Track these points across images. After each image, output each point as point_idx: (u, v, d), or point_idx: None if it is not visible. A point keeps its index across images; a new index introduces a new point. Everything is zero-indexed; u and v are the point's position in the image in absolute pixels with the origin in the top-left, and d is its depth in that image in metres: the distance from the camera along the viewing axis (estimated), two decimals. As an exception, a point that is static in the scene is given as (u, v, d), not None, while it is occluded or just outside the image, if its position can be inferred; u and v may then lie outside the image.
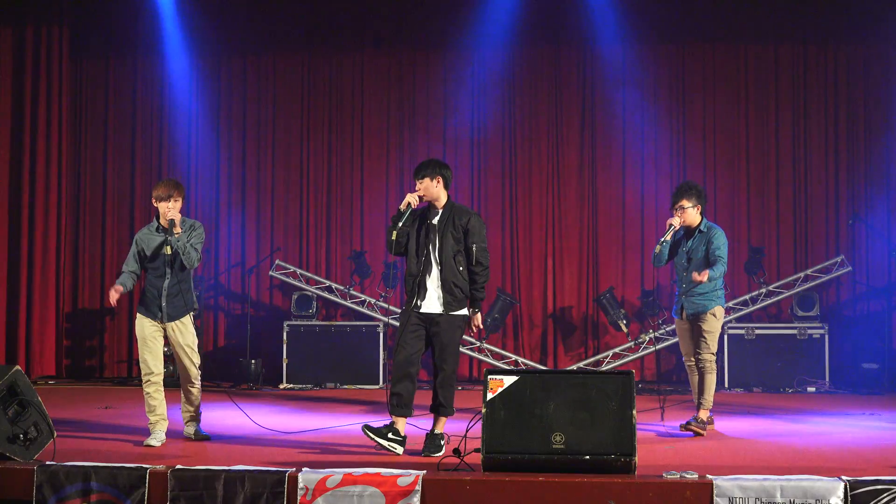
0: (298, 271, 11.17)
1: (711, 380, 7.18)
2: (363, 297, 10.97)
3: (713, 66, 11.36)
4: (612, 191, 11.41)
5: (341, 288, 11.03)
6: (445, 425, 6.40)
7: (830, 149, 11.16)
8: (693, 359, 7.31)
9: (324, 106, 11.66)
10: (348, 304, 10.98)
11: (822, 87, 11.18)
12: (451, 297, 6.28)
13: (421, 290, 6.29)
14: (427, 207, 6.43)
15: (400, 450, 6.19)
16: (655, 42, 11.34)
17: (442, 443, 6.28)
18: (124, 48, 11.76)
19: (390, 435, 6.20)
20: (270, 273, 11.19)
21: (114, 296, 6.65)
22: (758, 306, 10.63)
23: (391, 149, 11.60)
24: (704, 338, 7.16)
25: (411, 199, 6.28)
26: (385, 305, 10.96)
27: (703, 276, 6.97)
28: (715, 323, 7.21)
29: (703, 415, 7.18)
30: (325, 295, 11.04)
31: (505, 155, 11.52)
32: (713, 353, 7.19)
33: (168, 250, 6.56)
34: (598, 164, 11.44)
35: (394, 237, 6.25)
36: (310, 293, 10.98)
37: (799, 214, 11.16)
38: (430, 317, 6.30)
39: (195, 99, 11.73)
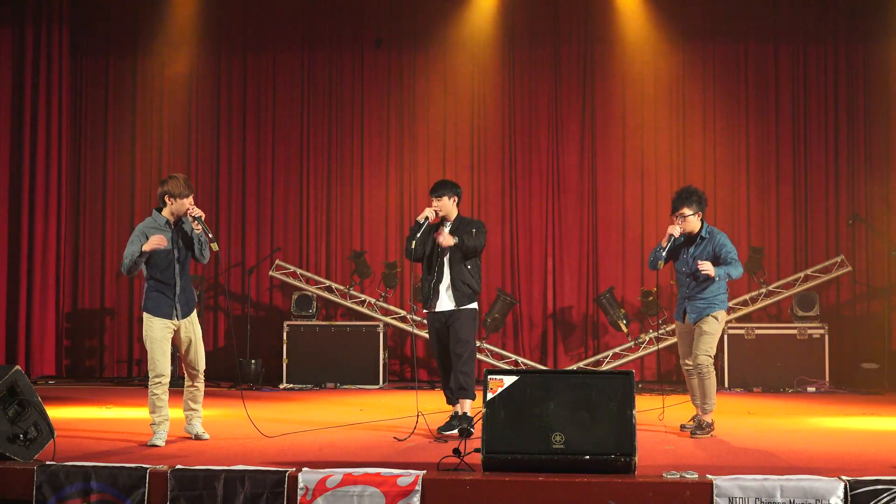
0: (298, 271, 11.17)
1: (711, 383, 6.99)
2: (363, 297, 10.97)
3: (713, 65, 11.36)
4: (612, 191, 11.41)
5: (341, 288, 11.03)
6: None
7: (830, 148, 11.16)
8: (691, 362, 7.14)
9: (324, 106, 11.66)
10: (348, 304, 10.99)
11: (822, 87, 11.19)
12: (460, 293, 7.06)
13: (435, 293, 7.11)
14: (440, 221, 7.17)
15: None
16: (655, 42, 11.33)
17: (455, 423, 6.92)
18: (124, 47, 11.76)
19: (457, 423, 6.98)
20: (270, 273, 11.19)
21: (161, 240, 6.48)
22: (758, 306, 10.63)
23: (391, 149, 11.60)
24: (703, 338, 6.96)
25: (429, 213, 7.05)
26: (385, 305, 10.96)
27: (709, 270, 6.93)
28: (715, 325, 7.03)
29: (708, 418, 7.08)
30: (325, 295, 11.04)
31: (505, 155, 11.52)
32: (710, 356, 6.98)
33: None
34: (598, 164, 11.44)
35: (413, 245, 7.05)
36: (310, 293, 10.98)
37: (799, 214, 11.17)
38: (444, 314, 7.11)
39: (195, 99, 11.73)
